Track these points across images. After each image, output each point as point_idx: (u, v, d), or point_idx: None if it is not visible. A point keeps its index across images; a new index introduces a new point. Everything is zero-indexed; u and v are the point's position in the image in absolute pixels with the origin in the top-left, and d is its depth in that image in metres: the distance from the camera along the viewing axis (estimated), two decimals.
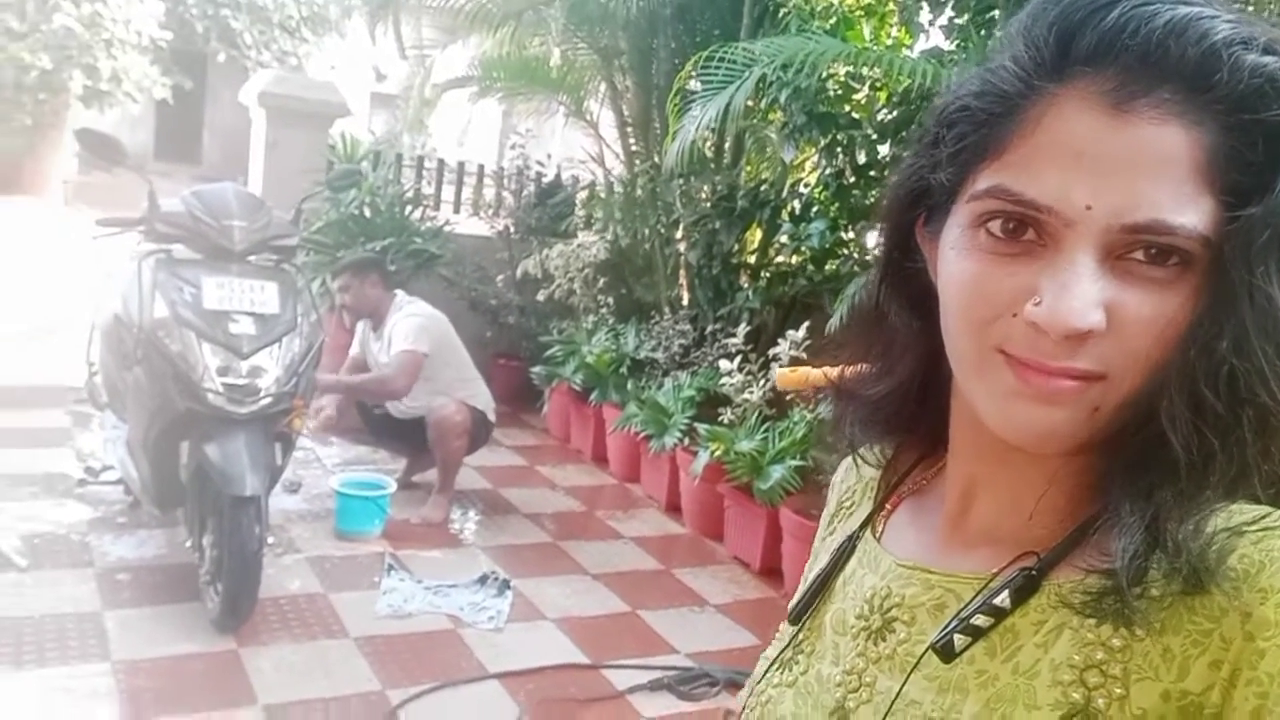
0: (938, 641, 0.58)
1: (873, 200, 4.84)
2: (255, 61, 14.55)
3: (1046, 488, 0.59)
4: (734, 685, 3.21)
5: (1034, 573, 0.57)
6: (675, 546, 4.43)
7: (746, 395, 4.43)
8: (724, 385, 4.54)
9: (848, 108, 4.94)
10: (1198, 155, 0.51)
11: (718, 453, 4.22)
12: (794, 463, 4.06)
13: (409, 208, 6.07)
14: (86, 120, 13.46)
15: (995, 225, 0.55)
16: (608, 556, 4.18)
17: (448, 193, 7.29)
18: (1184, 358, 0.52)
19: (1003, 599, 0.57)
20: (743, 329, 4.77)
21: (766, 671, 0.74)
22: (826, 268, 5.19)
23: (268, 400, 3.11)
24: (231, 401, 3.05)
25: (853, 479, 0.80)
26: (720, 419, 4.45)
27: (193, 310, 3.09)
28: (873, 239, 5.24)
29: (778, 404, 4.51)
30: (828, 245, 4.88)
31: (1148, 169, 0.51)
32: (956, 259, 0.57)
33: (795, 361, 4.42)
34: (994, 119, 0.55)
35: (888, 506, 0.73)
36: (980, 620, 0.57)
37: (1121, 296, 0.52)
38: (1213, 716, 0.49)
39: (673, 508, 4.78)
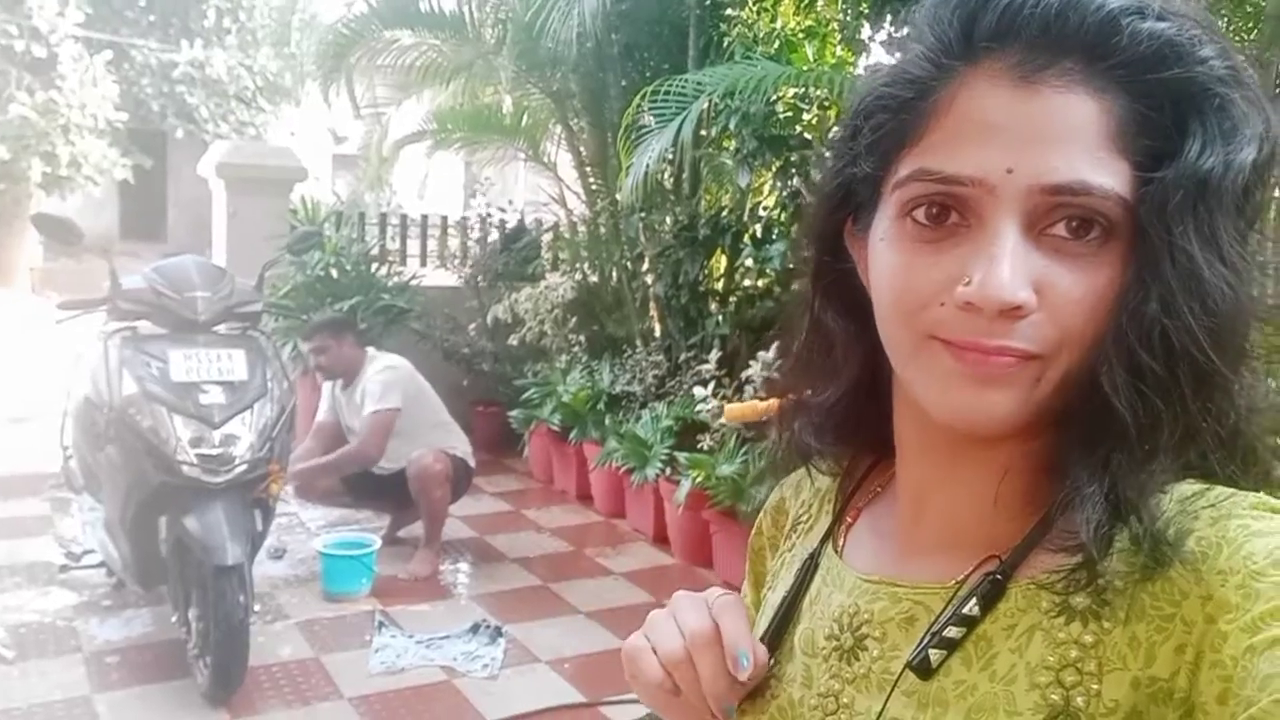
0: (914, 659, 0.58)
1: None
2: (214, 135, 14.61)
3: (1000, 480, 0.59)
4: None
5: (999, 576, 0.57)
6: (666, 577, 4.43)
7: (723, 420, 4.45)
8: (700, 412, 4.56)
9: (798, 129, 5.02)
10: (1106, 121, 0.52)
11: (699, 480, 4.24)
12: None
13: (375, 265, 6.10)
14: (49, 207, 13.48)
15: (920, 212, 0.55)
16: (598, 594, 4.17)
17: (413, 247, 7.33)
18: (1117, 325, 0.53)
19: (972, 607, 0.57)
20: (714, 355, 4.80)
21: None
22: (793, 288, 5.22)
23: (243, 468, 3.11)
24: (206, 472, 3.05)
25: (806, 493, 0.78)
26: (700, 446, 4.47)
27: (161, 384, 3.10)
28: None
29: (756, 425, 4.53)
30: (790, 266, 4.93)
31: (1060, 136, 0.52)
32: (885, 251, 0.58)
33: (768, 382, 4.46)
34: (908, 105, 0.56)
35: (847, 519, 0.72)
36: (952, 632, 0.57)
37: (1049, 272, 0.53)
38: (1181, 701, 0.49)
39: (660, 539, 4.78)
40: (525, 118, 6.38)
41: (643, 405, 5.16)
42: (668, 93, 4.20)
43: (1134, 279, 0.53)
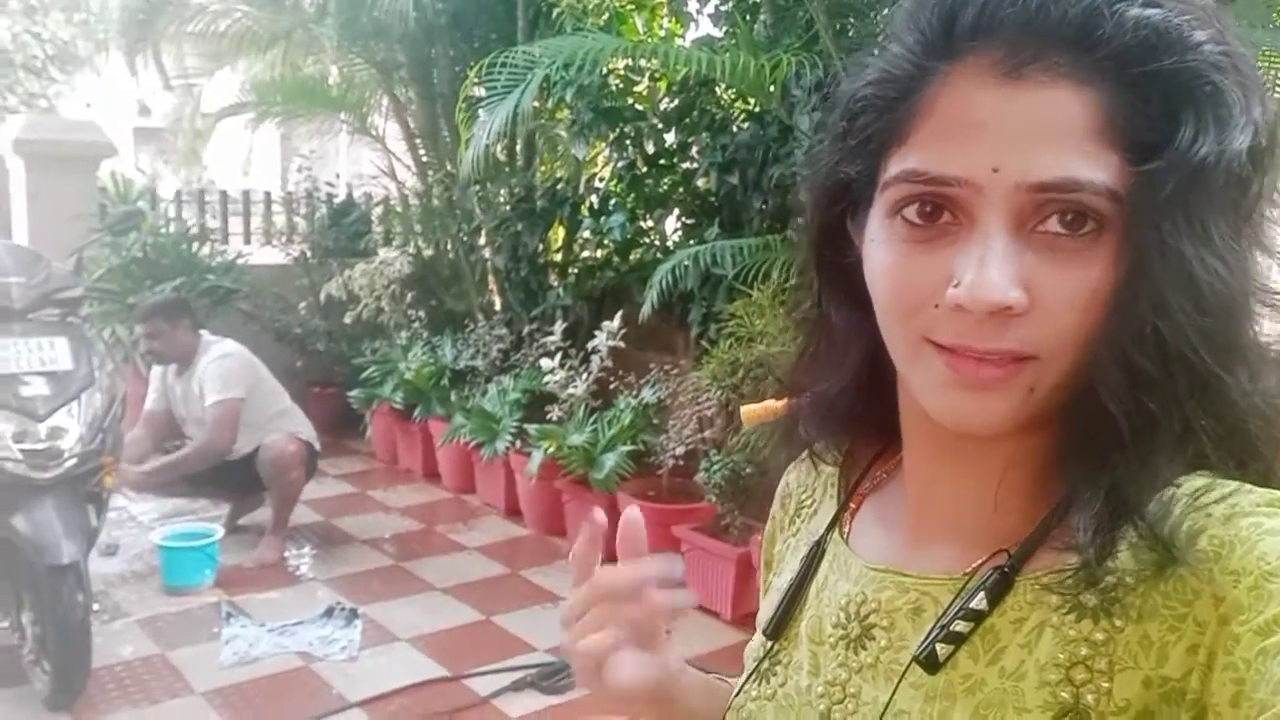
0: (920, 653, 0.58)
1: (666, 188, 5.02)
2: (1, 107, 13.46)
3: (1005, 473, 0.59)
4: None
5: (1006, 570, 0.57)
6: (520, 549, 4.46)
7: (571, 390, 4.50)
8: (548, 384, 4.59)
9: (630, 100, 5.08)
10: (1094, 114, 0.51)
11: (551, 450, 4.28)
12: (626, 448, 4.17)
13: (195, 244, 5.82)
14: None
15: (911, 211, 0.55)
16: (453, 569, 4.17)
17: (235, 224, 7.02)
18: (1109, 325, 0.52)
19: (979, 601, 0.56)
20: (559, 326, 4.84)
21: (744, 683, 0.73)
22: (631, 257, 5.33)
23: (73, 461, 2.95)
24: (33, 468, 2.87)
25: (811, 478, 0.78)
26: (549, 417, 4.51)
27: None
28: (671, 226, 5.47)
29: (602, 395, 4.61)
30: (629, 236, 5.01)
31: (1047, 131, 0.51)
32: (877, 251, 0.58)
33: (614, 353, 4.54)
34: (893, 104, 0.56)
35: (851, 506, 0.72)
36: (960, 626, 0.57)
37: (1040, 272, 0.52)
38: (1194, 702, 0.49)
39: (512, 511, 4.80)
40: (350, 90, 6.20)
41: (488, 380, 5.15)
42: (502, 65, 4.17)
43: (1125, 276, 0.52)
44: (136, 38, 6.26)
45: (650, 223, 5.27)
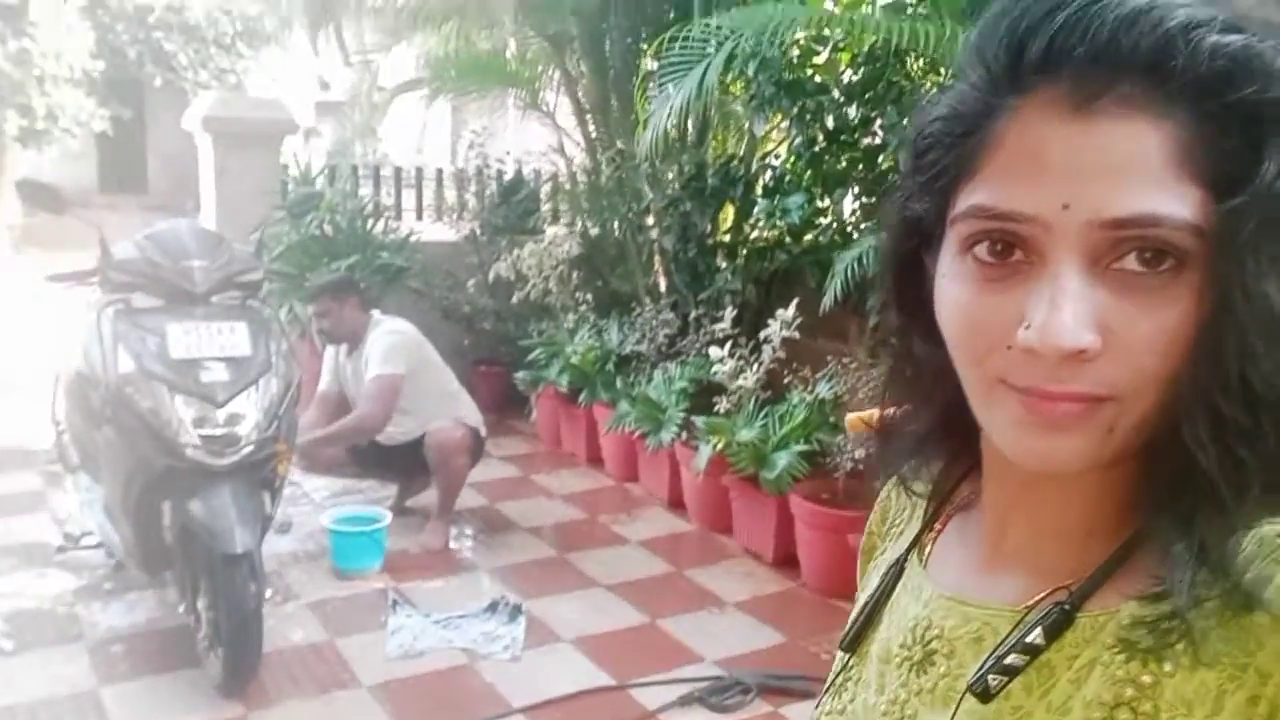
0: (974, 682, 0.57)
1: (845, 166, 4.73)
2: (193, 83, 14.18)
3: (1081, 508, 0.58)
4: (768, 691, 3.10)
5: (1067, 607, 0.56)
6: (683, 545, 4.30)
7: (741, 381, 4.29)
8: (716, 374, 4.39)
9: (811, 73, 4.80)
10: (1171, 147, 0.49)
11: (719, 445, 4.09)
12: (799, 448, 3.94)
13: (370, 221, 5.87)
14: (26, 162, 13.08)
15: (982, 249, 0.53)
16: (616, 564, 4.04)
17: (407, 200, 7.09)
18: (1194, 369, 0.50)
19: (1036, 636, 0.56)
20: (729, 313, 4.63)
21: (822, 696, 0.74)
22: (805, 239, 5.07)
23: (249, 448, 2.94)
24: (211, 454, 2.88)
25: (903, 499, 0.77)
26: (715, 408, 4.32)
27: (160, 361, 2.91)
28: (849, 207, 5.16)
29: (773, 387, 4.38)
30: (805, 217, 4.74)
31: (1121, 166, 0.49)
32: (948, 287, 0.56)
33: (787, 342, 4.30)
34: (961, 140, 0.54)
35: (936, 526, 0.71)
36: (1014, 659, 0.56)
37: (1116, 310, 0.50)
38: None
39: (676, 504, 4.65)
40: (522, 64, 6.12)
41: (654, 366, 5.00)
42: (683, 38, 3.97)
43: (1209, 319, 0.50)
44: (319, 13, 6.36)
45: (828, 203, 4.99)
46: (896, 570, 0.71)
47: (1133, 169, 0.49)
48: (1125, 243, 0.50)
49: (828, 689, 0.73)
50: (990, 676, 0.56)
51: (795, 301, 4.28)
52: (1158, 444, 0.52)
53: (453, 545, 4.16)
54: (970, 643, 0.61)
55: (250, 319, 3.13)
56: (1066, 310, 0.49)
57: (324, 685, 3.04)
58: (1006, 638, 0.58)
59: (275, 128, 5.81)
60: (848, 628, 0.73)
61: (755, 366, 4.32)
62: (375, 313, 4.29)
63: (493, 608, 3.55)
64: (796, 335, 4.22)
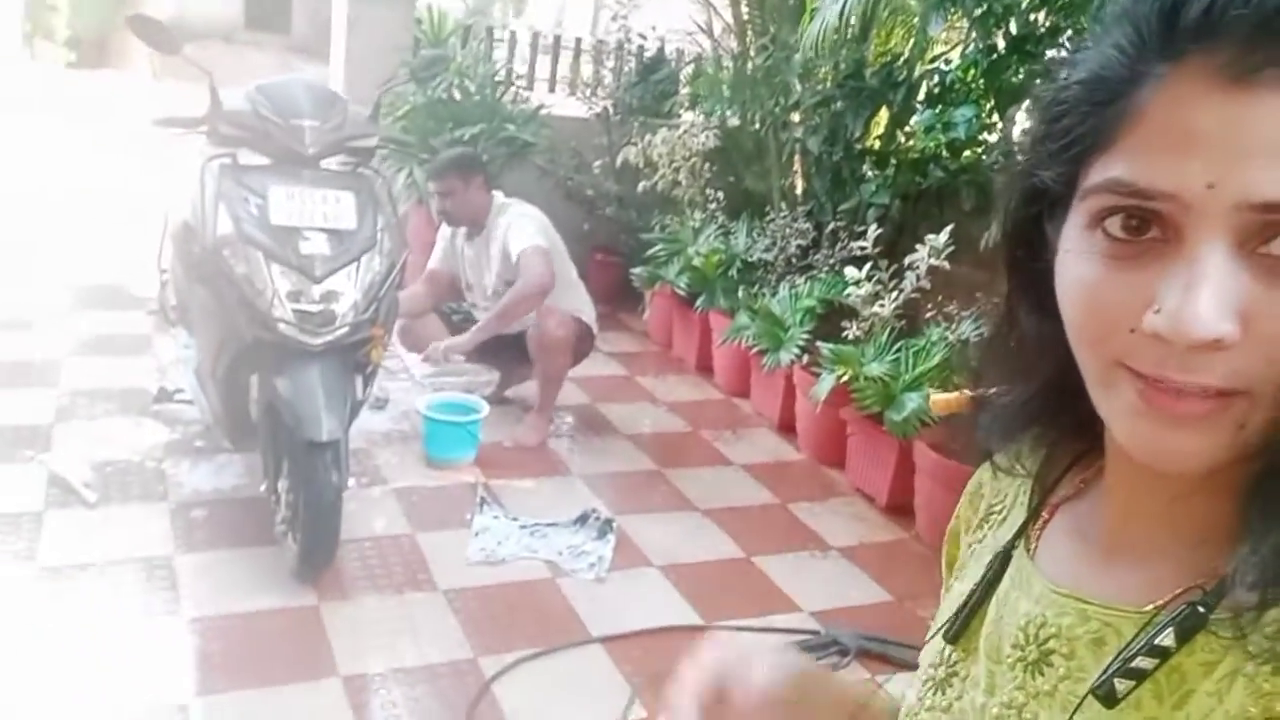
0: (1098, 686, 0.53)
1: (1024, 78, 4.22)
2: None
3: (1215, 502, 0.53)
4: (866, 655, 2.85)
5: (1201, 609, 0.51)
6: (790, 475, 4.03)
7: (876, 309, 3.92)
8: (849, 296, 4.03)
9: None
10: None
11: (844, 376, 3.76)
12: (933, 391, 3.58)
13: (500, 89, 5.57)
14: None
15: (1114, 224, 0.49)
16: (716, 487, 3.80)
17: (542, 69, 6.75)
18: None
19: (1166, 637, 0.51)
20: (873, 231, 4.22)
21: (921, 690, 0.70)
22: (964, 156, 4.60)
23: (344, 330, 2.75)
24: (304, 332, 2.70)
25: (1004, 481, 0.72)
26: (844, 334, 3.97)
27: (259, 226, 2.72)
28: (1019, 126, 4.64)
29: (911, 318, 4.01)
30: (971, 133, 4.27)
31: (1275, 146, 0.45)
32: (1072, 264, 0.52)
33: (933, 271, 3.90)
34: (1100, 108, 0.50)
35: (1044, 515, 0.66)
36: (1143, 662, 0.52)
37: (1258, 299, 0.46)
38: None
39: (786, 428, 4.36)
40: None
41: (780, 278, 4.65)
42: None
43: None
44: None
45: (996, 119, 4.48)
46: (1002, 560, 0.66)
47: None
48: (1274, 226, 0.46)
49: (927, 680, 0.70)
50: (1116, 680, 0.53)
51: (950, 228, 3.87)
52: (1274, 438, 0.49)
53: (549, 444, 3.97)
54: (1090, 644, 0.57)
55: (359, 189, 2.90)
56: (1203, 296, 0.46)
57: (399, 584, 2.91)
58: (1134, 639, 0.54)
59: None
60: (951, 617, 0.68)
61: (894, 294, 3.94)
62: (498, 194, 4.03)
63: (582, 519, 3.37)
64: (945, 265, 3.82)
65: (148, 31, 2.90)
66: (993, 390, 0.65)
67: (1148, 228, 0.49)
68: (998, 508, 0.73)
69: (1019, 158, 0.58)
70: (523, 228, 3.85)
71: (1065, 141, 0.52)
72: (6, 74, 11.12)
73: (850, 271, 4.04)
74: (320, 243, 2.76)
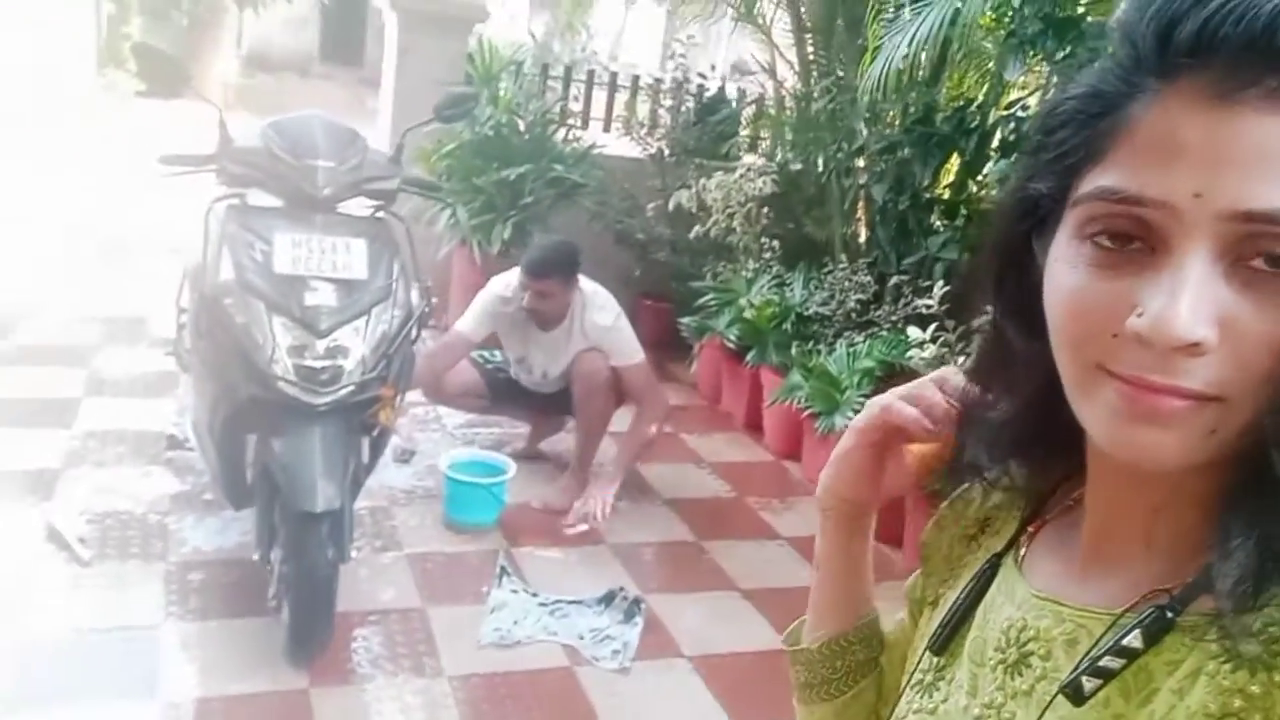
0: (1067, 684, 0.56)
1: None
2: None
3: (1184, 510, 0.56)
4: None
5: (1168, 613, 0.53)
6: None
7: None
8: (911, 358, 3.71)
9: (1083, 9, 3.94)
10: None
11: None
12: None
13: (552, 127, 5.37)
14: (248, 24, 13.27)
15: (1101, 235, 0.52)
16: (759, 563, 3.48)
17: (598, 106, 6.55)
18: None
19: (1133, 638, 0.54)
20: (939, 288, 3.89)
21: (904, 691, 0.72)
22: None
23: (350, 388, 2.52)
24: (305, 390, 2.47)
25: (998, 496, 0.73)
26: None
27: (261, 274, 2.51)
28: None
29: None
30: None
31: (1260, 160, 0.48)
32: (1060, 272, 0.54)
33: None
34: (1095, 120, 0.53)
35: (1030, 530, 0.69)
36: (1110, 661, 0.54)
37: (1237, 309, 0.49)
38: None
39: None
40: None
41: (838, 334, 4.34)
42: None
43: None
44: None
45: None
46: (990, 570, 0.68)
47: (1274, 164, 0.48)
48: (1255, 239, 0.48)
49: (912, 684, 0.71)
50: (1084, 678, 0.55)
51: None
52: (1249, 447, 0.50)
53: (579, 506, 3.69)
54: (1065, 644, 0.59)
55: (374, 235, 2.69)
56: (1185, 300, 0.48)
57: (403, 665, 2.65)
58: (1100, 639, 0.56)
59: (464, 12, 5.37)
60: (938, 628, 0.70)
61: (961, 358, 3.60)
62: (581, 280, 3.68)
63: (609, 598, 3.08)
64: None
65: (150, 63, 2.72)
66: (982, 409, 0.66)
67: (1131, 240, 0.51)
68: (993, 520, 0.74)
69: (1014, 171, 0.60)
70: (618, 341, 3.65)
71: (1060, 152, 0.55)
72: (78, 102, 11.30)
73: (914, 332, 3.72)
74: (327, 293, 2.54)
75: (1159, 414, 0.50)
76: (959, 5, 2.77)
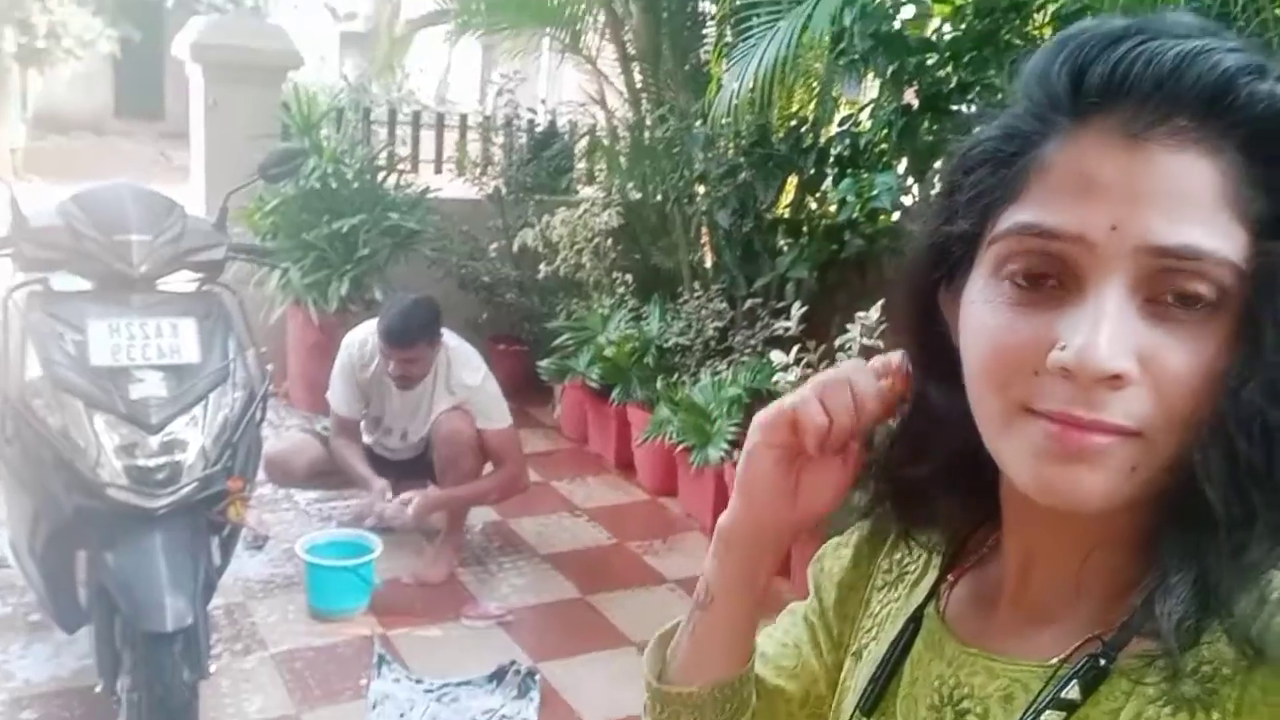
0: None
1: (941, 139, 3.98)
2: (208, 4, 13.37)
3: (1106, 555, 0.56)
4: None
5: (1102, 661, 0.53)
6: None
7: None
8: (778, 382, 3.67)
9: (899, 25, 4.03)
10: (1221, 184, 0.49)
11: None
12: None
13: (382, 174, 5.13)
14: (34, 83, 12.34)
15: (1018, 274, 0.53)
16: (651, 613, 3.35)
17: (426, 148, 6.33)
18: (1217, 408, 0.49)
19: (1071, 690, 0.53)
20: (796, 310, 3.88)
21: None
22: (880, 220, 4.34)
23: (192, 486, 2.25)
24: (140, 494, 2.19)
25: (912, 543, 0.71)
26: None
27: (76, 368, 2.22)
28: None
29: None
30: (896, 199, 3.99)
31: (1170, 197, 0.49)
32: (979, 313, 0.55)
33: (866, 350, 3.57)
34: (1011, 160, 0.54)
35: (949, 579, 0.67)
36: (1050, 717, 0.54)
37: (1154, 343, 0.50)
38: None
39: None
40: (564, 2, 5.32)
41: (700, 363, 4.28)
42: None
43: (1239, 359, 0.49)
44: None
45: (912, 180, 4.23)
46: (914, 623, 0.67)
47: (1184, 200, 0.49)
48: (1168, 275, 0.49)
49: None
50: None
51: (880, 303, 3.55)
52: (1173, 487, 0.51)
53: (457, 575, 3.47)
54: (1001, 701, 0.58)
55: (204, 312, 2.43)
56: (1105, 331, 0.48)
57: None
58: (1040, 694, 0.55)
59: (276, 59, 5.06)
60: (867, 686, 0.68)
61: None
62: (444, 333, 3.47)
63: (499, 675, 2.88)
64: (881, 346, 3.49)
65: None
66: (886, 461, 0.65)
67: (1046, 278, 0.52)
68: (911, 569, 0.72)
69: (926, 218, 0.60)
70: (484, 401, 3.46)
71: (976, 192, 0.55)
72: None
73: (777, 355, 3.69)
74: (155, 382, 2.26)
75: (1084, 451, 0.50)
76: (801, 29, 2.73)
